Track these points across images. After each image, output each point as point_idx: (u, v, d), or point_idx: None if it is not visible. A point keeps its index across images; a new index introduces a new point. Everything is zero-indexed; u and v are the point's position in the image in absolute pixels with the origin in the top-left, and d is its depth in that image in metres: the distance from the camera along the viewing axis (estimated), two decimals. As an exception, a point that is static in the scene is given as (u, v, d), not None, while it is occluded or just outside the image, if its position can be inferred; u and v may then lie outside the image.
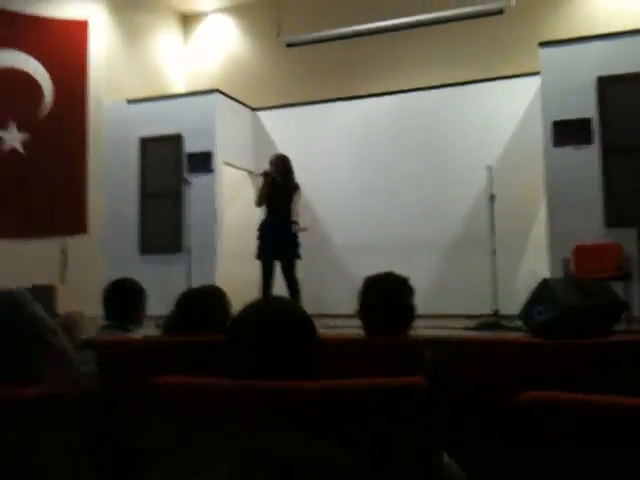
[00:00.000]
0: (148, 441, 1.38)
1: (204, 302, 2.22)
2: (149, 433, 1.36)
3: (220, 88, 8.33)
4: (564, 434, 0.98)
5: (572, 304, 3.83)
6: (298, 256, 5.92)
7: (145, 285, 8.11)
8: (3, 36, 7.97)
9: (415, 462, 1.09)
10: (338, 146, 8.22)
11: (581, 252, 6.19)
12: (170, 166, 8.05)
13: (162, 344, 2.21)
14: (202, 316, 2.13)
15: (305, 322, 1.36)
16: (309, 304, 6.39)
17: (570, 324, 3.49)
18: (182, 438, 1.04)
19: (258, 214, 8.65)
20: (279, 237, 5.82)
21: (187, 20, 9.97)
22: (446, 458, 1.28)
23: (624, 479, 0.96)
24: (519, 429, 1.02)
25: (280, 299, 1.43)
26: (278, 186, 5.87)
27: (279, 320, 1.31)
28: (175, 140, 8.05)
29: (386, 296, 2.17)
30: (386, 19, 8.00)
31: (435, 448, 1.14)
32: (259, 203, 6.02)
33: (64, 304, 6.23)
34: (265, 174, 5.95)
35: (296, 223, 5.85)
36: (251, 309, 1.40)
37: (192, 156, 7.94)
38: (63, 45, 8.39)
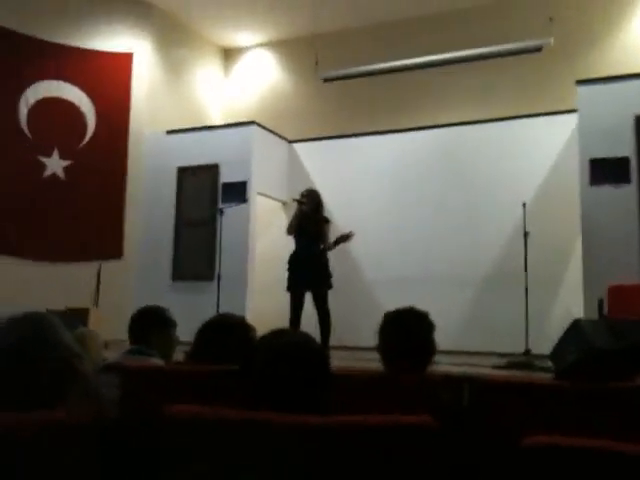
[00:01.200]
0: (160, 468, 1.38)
1: (223, 331, 2.23)
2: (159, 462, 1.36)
3: (258, 121, 8.48)
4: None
5: (602, 345, 3.74)
6: (330, 286, 5.93)
7: (175, 312, 8.22)
8: (51, 67, 8.29)
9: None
10: (372, 180, 8.25)
11: (616, 292, 6.04)
12: (206, 195, 8.19)
13: (180, 371, 2.22)
14: (220, 345, 2.14)
15: (318, 356, 1.36)
16: (340, 336, 6.45)
17: (599, 366, 3.41)
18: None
19: (290, 245, 8.74)
20: (310, 268, 5.85)
21: (228, 54, 10.22)
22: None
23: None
24: (522, 474, 1.01)
25: (296, 332, 1.44)
26: (309, 218, 5.95)
27: (292, 352, 1.32)
28: (211, 170, 8.20)
29: (404, 332, 2.15)
30: (423, 55, 8.07)
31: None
32: (290, 231, 6.07)
33: (96, 327, 6.32)
34: (299, 201, 6.04)
35: (332, 243, 5.93)
36: (266, 340, 1.41)
37: (227, 186, 8.06)
38: (108, 77, 8.68)
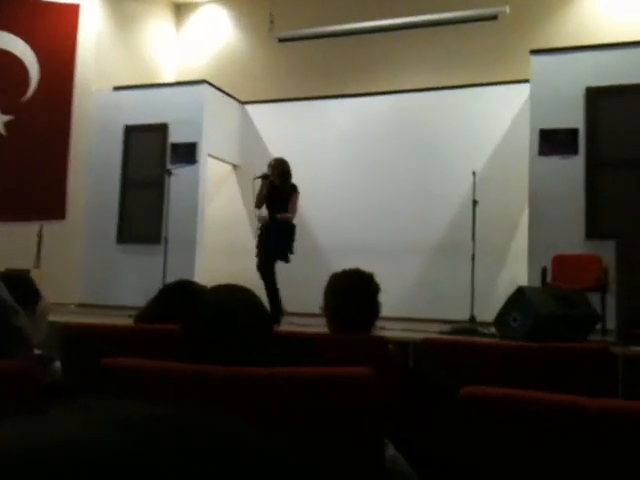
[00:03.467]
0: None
1: (180, 297, 2.14)
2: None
3: (210, 80, 8.27)
4: (497, 428, 0.96)
5: (547, 312, 3.82)
6: (282, 258, 5.97)
7: (121, 275, 8.15)
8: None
9: (355, 451, 1.06)
10: (326, 144, 8.19)
11: (560, 262, 6.19)
12: (154, 156, 7.97)
13: (125, 331, 2.16)
14: (176, 310, 2.07)
15: (261, 313, 1.33)
16: (295, 303, 6.46)
17: (543, 332, 3.48)
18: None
19: (242, 209, 8.64)
20: (277, 237, 5.95)
21: (180, 9, 9.88)
22: (391, 451, 1.25)
23: (550, 472, 0.94)
24: (458, 424, 1.00)
25: (236, 287, 1.39)
26: (277, 189, 5.98)
27: (231, 305, 1.28)
28: (160, 130, 7.98)
29: (349, 292, 2.13)
30: (380, 19, 7.97)
31: (378, 439, 1.11)
32: (258, 205, 6.08)
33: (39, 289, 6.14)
34: (264, 177, 6.05)
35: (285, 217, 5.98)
36: (206, 296, 1.37)
37: (176, 146, 7.87)
38: (53, 29, 8.30)
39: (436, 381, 1.82)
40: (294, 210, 6.03)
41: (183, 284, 2.22)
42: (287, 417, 1.08)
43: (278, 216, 5.95)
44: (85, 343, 2.08)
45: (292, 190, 6.05)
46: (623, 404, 1.03)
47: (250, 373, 1.09)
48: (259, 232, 6.14)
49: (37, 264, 7.09)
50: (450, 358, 2.01)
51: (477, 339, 3.95)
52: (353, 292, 2.12)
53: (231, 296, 1.31)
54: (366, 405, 1.08)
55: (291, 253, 5.96)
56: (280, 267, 6.11)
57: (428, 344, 2.05)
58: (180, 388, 1.16)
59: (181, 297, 2.08)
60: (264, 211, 6.12)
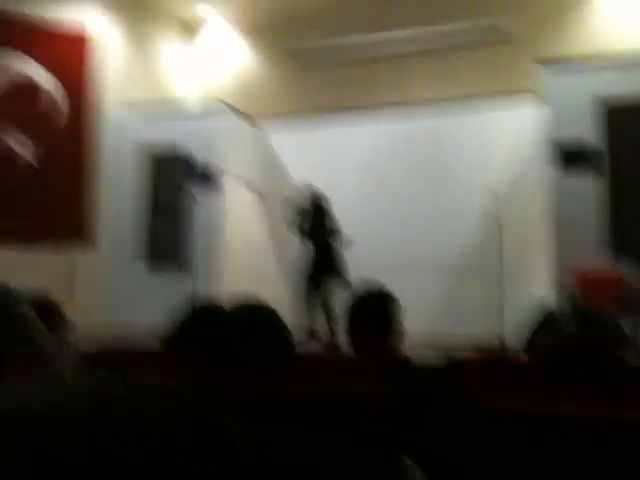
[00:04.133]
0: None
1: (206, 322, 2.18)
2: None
3: (235, 105, 8.41)
4: (524, 443, 0.98)
5: (575, 334, 3.79)
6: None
7: (150, 301, 8.10)
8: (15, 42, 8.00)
9: (371, 465, 1.09)
10: (343, 165, 8.27)
11: (585, 282, 6.12)
12: (178, 182, 8.09)
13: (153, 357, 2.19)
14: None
15: (285, 334, 1.36)
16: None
17: (570, 356, 3.44)
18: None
19: (263, 236, 8.71)
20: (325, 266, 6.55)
21: (192, 28, 9.87)
22: (407, 463, 1.27)
23: None
24: (482, 436, 1.02)
25: (264, 309, 1.42)
26: (316, 229, 6.65)
27: (259, 328, 1.31)
28: (184, 157, 8.11)
29: (370, 313, 2.14)
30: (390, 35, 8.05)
31: (394, 453, 1.13)
32: (301, 236, 6.72)
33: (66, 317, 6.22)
34: (298, 212, 6.69)
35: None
36: (233, 315, 1.40)
37: (201, 174, 7.98)
38: (73, 58, 8.40)
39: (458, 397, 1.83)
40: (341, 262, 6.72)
41: (207, 307, 2.26)
42: (302, 435, 1.11)
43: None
44: (109, 369, 2.12)
45: (335, 236, 6.69)
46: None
47: (264, 390, 1.12)
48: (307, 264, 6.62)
49: (70, 295, 7.18)
50: (473, 379, 2.01)
51: (498, 358, 3.92)
52: (358, 311, 2.13)
53: (253, 316, 1.34)
54: (380, 421, 1.11)
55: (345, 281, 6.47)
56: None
57: (453, 364, 2.06)
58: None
59: (206, 321, 2.12)
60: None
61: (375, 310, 2.14)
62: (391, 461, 1.11)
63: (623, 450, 0.98)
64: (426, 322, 7.07)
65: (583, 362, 2.35)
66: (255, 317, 1.35)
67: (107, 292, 8.07)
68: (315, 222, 6.51)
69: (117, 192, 8.36)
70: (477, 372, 2.02)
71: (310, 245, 6.58)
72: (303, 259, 6.69)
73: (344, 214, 8.03)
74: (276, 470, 1.03)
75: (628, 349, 3.42)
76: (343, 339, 2.31)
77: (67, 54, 8.38)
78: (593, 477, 0.99)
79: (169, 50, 9.67)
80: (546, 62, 6.79)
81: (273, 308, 1.39)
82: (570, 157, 6.58)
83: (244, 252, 8.44)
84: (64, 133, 8.23)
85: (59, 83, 8.29)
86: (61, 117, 8.24)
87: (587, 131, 6.52)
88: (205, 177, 7.92)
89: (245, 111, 8.63)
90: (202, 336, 2.00)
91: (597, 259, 6.30)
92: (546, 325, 3.44)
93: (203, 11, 9.61)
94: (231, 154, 8.14)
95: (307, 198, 6.57)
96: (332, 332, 6.16)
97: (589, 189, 6.50)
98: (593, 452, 0.99)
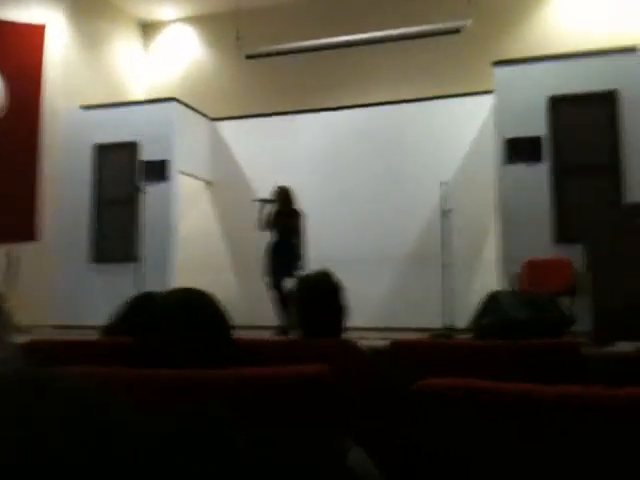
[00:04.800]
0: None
1: (142, 309, 2.14)
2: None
3: (179, 97, 8.29)
4: (453, 420, 0.98)
5: (518, 315, 3.88)
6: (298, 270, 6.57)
7: (96, 294, 8.06)
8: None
9: (315, 452, 1.08)
10: (295, 158, 8.23)
11: (531, 267, 6.29)
12: (125, 174, 7.93)
13: (87, 345, 2.15)
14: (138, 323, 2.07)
15: (216, 315, 1.34)
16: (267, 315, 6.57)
17: (513, 332, 3.53)
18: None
19: (215, 226, 8.64)
20: (282, 258, 6.64)
21: (147, 28, 9.90)
22: (356, 452, 1.26)
23: (509, 463, 0.96)
24: (416, 417, 1.02)
25: (193, 291, 1.39)
26: (281, 213, 6.80)
27: (189, 310, 1.29)
28: (130, 148, 7.95)
29: (315, 296, 2.14)
30: (345, 34, 8.08)
31: (339, 439, 1.13)
32: (263, 228, 6.83)
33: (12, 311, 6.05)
34: (264, 201, 6.85)
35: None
36: (164, 300, 1.37)
37: (147, 164, 7.84)
38: (19, 49, 8.22)
39: (402, 381, 1.84)
40: (299, 233, 6.83)
41: (146, 296, 2.22)
42: (242, 419, 1.09)
43: (297, 252, 6.73)
44: (47, 358, 2.07)
45: (296, 215, 6.83)
46: (582, 391, 1.03)
47: (201, 375, 1.10)
48: (266, 253, 6.79)
49: (10, 286, 6.98)
50: (418, 359, 2.04)
51: (444, 340, 3.98)
52: (308, 295, 2.14)
53: (183, 299, 1.32)
54: (324, 404, 1.10)
55: (297, 270, 6.50)
56: (252, 281, 6.20)
57: (397, 346, 2.08)
58: (130, 393, 1.15)
59: (144, 309, 2.09)
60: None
61: (317, 292, 2.14)
62: (334, 442, 1.10)
63: (566, 423, 0.98)
64: (377, 312, 7.14)
65: (521, 339, 2.38)
66: (187, 299, 1.32)
67: (51, 285, 7.88)
68: (276, 216, 6.74)
69: (64, 185, 8.15)
70: (422, 352, 2.04)
71: (273, 233, 6.78)
72: (264, 247, 6.81)
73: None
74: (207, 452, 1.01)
75: (568, 327, 3.51)
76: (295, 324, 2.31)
77: (16, 48, 8.15)
78: (539, 451, 0.99)
79: (123, 47, 9.50)
80: (498, 62, 6.97)
81: (207, 292, 1.36)
82: (512, 145, 6.72)
83: (194, 243, 8.35)
84: (4, 127, 7.98)
85: (4, 77, 8.05)
86: (1, 109, 8.00)
87: (533, 124, 6.68)
88: (154, 168, 7.78)
89: (199, 108, 8.54)
90: (135, 322, 1.97)
91: (543, 245, 6.46)
92: (489, 307, 3.52)
93: (160, 11, 9.50)
94: (180, 145, 8.01)
95: (275, 194, 6.85)
96: (287, 319, 6.21)
97: (532, 177, 6.66)
98: (537, 427, 1.00)
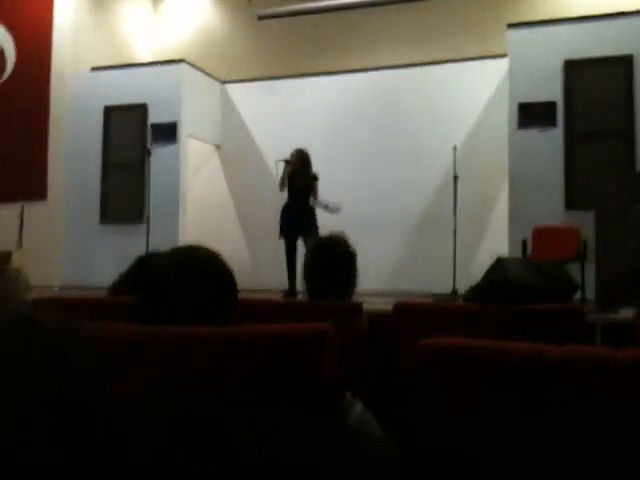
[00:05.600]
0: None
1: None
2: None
3: (189, 59, 8.20)
4: (454, 378, 0.98)
5: (522, 279, 3.87)
6: (317, 233, 6.44)
7: (103, 255, 8.10)
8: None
9: (315, 408, 1.09)
10: (306, 122, 8.14)
11: (540, 234, 6.24)
12: (134, 136, 7.92)
13: (94, 303, 2.17)
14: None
15: (221, 274, 1.33)
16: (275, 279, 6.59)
17: (516, 297, 3.52)
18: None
19: (224, 189, 8.63)
20: (300, 218, 6.56)
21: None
22: (359, 407, 1.27)
23: (511, 423, 0.96)
24: (417, 376, 1.02)
25: (202, 249, 1.38)
26: (298, 175, 6.65)
27: (190, 267, 1.29)
28: (140, 110, 7.91)
29: (318, 258, 2.14)
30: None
31: (339, 395, 1.13)
32: (281, 188, 6.73)
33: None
34: (286, 161, 6.69)
35: (321, 204, 6.74)
36: (168, 257, 1.37)
37: (156, 126, 7.81)
38: (28, 11, 8.18)
39: (404, 342, 1.84)
40: (317, 195, 6.70)
41: (151, 256, 2.22)
42: (240, 376, 1.10)
43: (315, 200, 6.67)
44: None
45: (314, 179, 6.68)
46: (586, 351, 1.03)
47: (204, 332, 1.10)
48: (282, 215, 6.67)
49: (19, 245, 7.05)
50: (421, 321, 2.04)
51: (445, 303, 3.99)
52: (321, 258, 2.13)
53: (188, 256, 1.31)
54: (325, 360, 1.10)
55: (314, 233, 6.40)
56: (260, 244, 6.17)
57: (399, 309, 2.08)
58: (132, 349, 1.15)
59: (149, 268, 2.09)
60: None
61: (331, 256, 2.13)
62: (333, 396, 1.11)
63: (569, 383, 0.97)
64: (387, 277, 7.15)
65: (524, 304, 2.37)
66: (192, 256, 1.31)
67: (61, 245, 7.94)
68: (295, 177, 6.63)
69: (74, 146, 8.15)
70: (425, 315, 2.04)
71: (290, 194, 6.71)
72: (280, 209, 6.72)
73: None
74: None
75: (572, 294, 3.49)
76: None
77: (25, 10, 8.10)
78: (542, 411, 0.99)
79: (132, 9, 9.39)
80: (512, 24, 6.84)
81: (213, 250, 1.35)
82: (525, 110, 6.63)
83: (203, 206, 8.36)
84: (12, 88, 7.97)
85: (14, 38, 8.01)
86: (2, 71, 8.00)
87: (547, 88, 6.58)
88: (162, 130, 7.76)
89: (208, 70, 8.45)
90: (140, 281, 1.97)
91: (555, 211, 6.42)
92: (494, 271, 3.50)
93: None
94: (189, 107, 7.95)
95: (292, 156, 6.72)
96: (294, 282, 6.26)
97: (545, 143, 6.58)
98: (540, 387, 0.99)
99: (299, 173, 6.67)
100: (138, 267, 2.16)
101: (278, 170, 6.67)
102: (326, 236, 2.29)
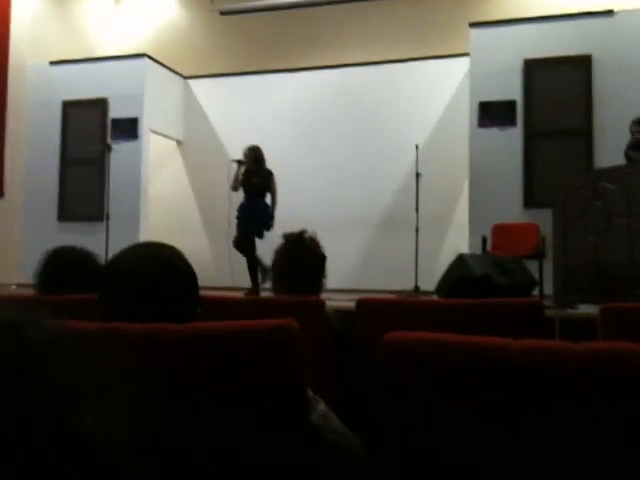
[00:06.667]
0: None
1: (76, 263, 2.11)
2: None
3: (151, 54, 8.09)
4: (418, 372, 0.99)
5: (482, 273, 3.93)
6: (259, 235, 6.50)
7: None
8: None
9: (278, 406, 1.08)
10: (269, 119, 8.12)
11: (499, 231, 6.35)
12: (94, 131, 7.77)
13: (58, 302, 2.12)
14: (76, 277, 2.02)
15: (183, 271, 1.31)
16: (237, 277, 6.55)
17: (477, 292, 3.56)
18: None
19: (186, 185, 8.54)
20: (256, 217, 6.50)
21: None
22: (322, 406, 1.27)
23: (475, 416, 0.97)
24: (379, 371, 1.02)
25: (163, 246, 1.36)
26: (252, 173, 6.55)
27: (153, 265, 1.27)
28: (100, 105, 7.78)
29: (286, 254, 2.13)
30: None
31: (303, 393, 1.13)
32: (235, 188, 6.65)
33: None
34: (240, 162, 6.59)
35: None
36: (128, 255, 1.34)
37: (117, 122, 7.69)
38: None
39: (366, 338, 1.85)
40: (275, 193, 6.65)
41: (64, 250, 2.18)
42: (205, 373, 1.09)
43: (270, 211, 6.56)
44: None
45: (269, 175, 6.63)
46: (547, 344, 1.04)
47: (165, 329, 1.09)
48: (238, 213, 6.60)
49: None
50: (383, 317, 2.05)
51: (408, 298, 4.03)
52: (291, 256, 2.12)
53: (149, 253, 1.29)
54: (289, 356, 1.10)
55: (268, 230, 6.43)
56: (223, 241, 6.12)
57: (362, 304, 2.09)
58: (94, 348, 1.13)
59: (78, 262, 2.07)
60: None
61: (299, 254, 2.12)
62: (298, 392, 1.10)
63: (530, 376, 0.99)
64: (349, 274, 7.18)
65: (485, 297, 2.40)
66: (153, 253, 1.29)
67: (18, 243, 7.76)
68: (249, 176, 6.55)
69: (32, 142, 7.97)
70: (387, 311, 2.06)
71: (245, 193, 6.63)
72: (237, 208, 6.66)
73: (268, 164, 7.96)
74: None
75: (531, 289, 3.55)
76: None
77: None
78: (503, 404, 1.00)
79: (94, 2, 9.19)
80: (474, 23, 6.93)
81: (174, 247, 1.33)
82: (486, 108, 6.72)
83: (164, 202, 8.27)
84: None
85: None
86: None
87: (507, 87, 6.68)
88: (123, 126, 7.63)
89: (171, 65, 8.35)
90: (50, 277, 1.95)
91: (514, 209, 6.52)
92: (455, 268, 3.55)
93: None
94: (151, 102, 7.84)
95: (245, 155, 6.64)
96: (257, 280, 6.24)
97: (505, 141, 6.68)
98: (502, 380, 1.00)
99: (253, 171, 6.58)
100: (53, 262, 2.11)
101: (231, 171, 6.59)
102: (297, 233, 2.26)
